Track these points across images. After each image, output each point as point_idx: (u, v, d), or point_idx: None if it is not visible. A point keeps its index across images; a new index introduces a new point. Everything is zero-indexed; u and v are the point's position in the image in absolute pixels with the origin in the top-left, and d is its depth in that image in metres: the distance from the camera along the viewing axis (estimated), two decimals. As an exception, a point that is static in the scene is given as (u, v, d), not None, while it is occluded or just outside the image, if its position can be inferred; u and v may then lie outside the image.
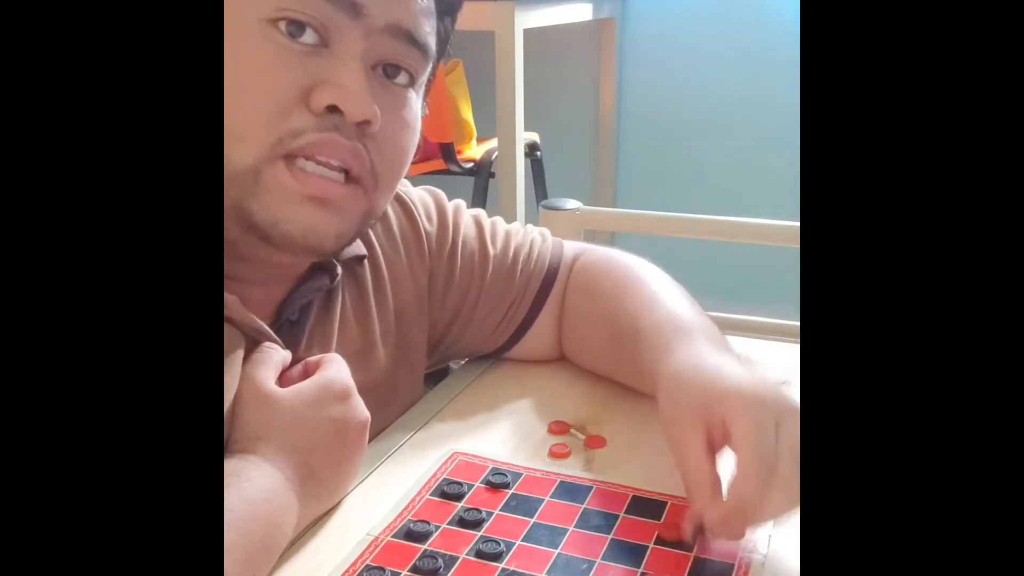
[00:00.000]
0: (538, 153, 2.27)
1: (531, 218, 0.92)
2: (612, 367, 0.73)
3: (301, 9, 0.52)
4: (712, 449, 0.52)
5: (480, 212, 0.77)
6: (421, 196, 0.74)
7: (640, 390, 0.69)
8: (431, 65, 0.60)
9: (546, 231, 0.79)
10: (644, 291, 0.69)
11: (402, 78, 0.58)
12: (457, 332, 0.75)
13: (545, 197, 2.23)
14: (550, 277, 0.75)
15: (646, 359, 0.63)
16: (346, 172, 0.55)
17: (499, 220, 0.78)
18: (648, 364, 0.62)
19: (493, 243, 0.75)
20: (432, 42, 0.58)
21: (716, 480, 0.51)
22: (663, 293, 0.69)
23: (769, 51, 2.29)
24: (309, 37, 0.53)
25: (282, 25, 0.53)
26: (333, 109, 0.53)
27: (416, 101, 0.60)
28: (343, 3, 0.53)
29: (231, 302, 0.55)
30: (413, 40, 0.56)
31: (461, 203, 0.77)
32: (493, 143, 2.07)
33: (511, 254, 0.75)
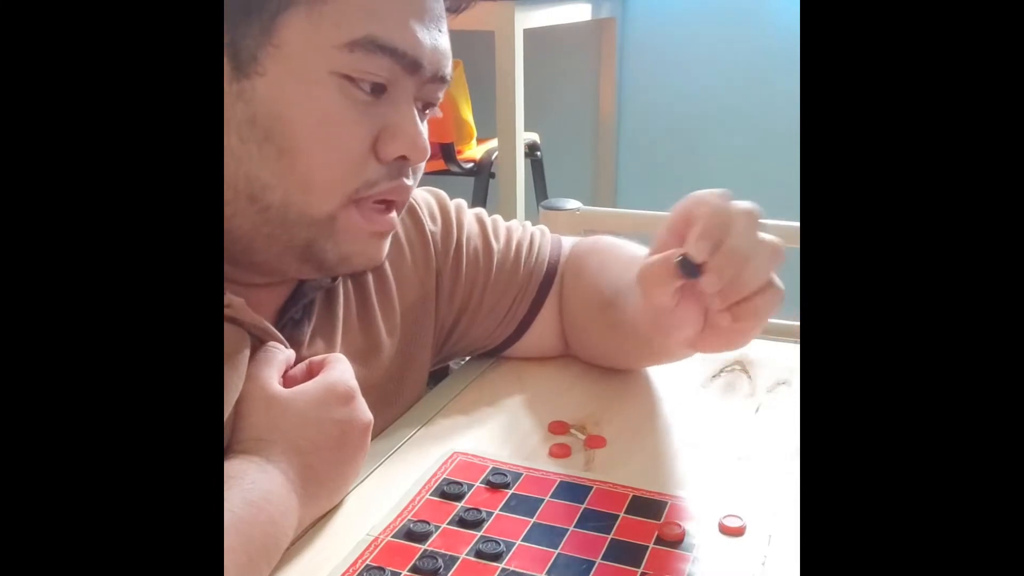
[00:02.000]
0: (538, 153, 2.27)
1: (531, 218, 0.91)
2: (608, 343, 0.73)
3: (377, 72, 0.55)
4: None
5: (481, 210, 0.78)
6: (424, 197, 0.75)
7: (637, 341, 0.69)
8: None
9: (545, 228, 0.80)
10: (626, 256, 0.71)
11: (432, 109, 0.62)
12: (463, 328, 0.75)
13: (545, 197, 2.23)
14: (551, 271, 0.76)
15: (632, 301, 0.62)
16: (389, 202, 0.59)
17: (499, 217, 0.79)
18: (627, 325, 0.63)
19: (496, 239, 0.76)
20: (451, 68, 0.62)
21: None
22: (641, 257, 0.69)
23: (769, 51, 2.29)
24: (376, 90, 0.56)
25: (365, 86, 0.55)
26: (400, 157, 0.57)
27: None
28: (409, 63, 0.56)
29: (237, 304, 0.56)
30: (446, 80, 0.60)
31: (462, 202, 0.78)
32: (493, 143, 2.07)
33: (513, 249, 0.75)
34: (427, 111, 0.61)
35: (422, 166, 0.61)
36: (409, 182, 0.59)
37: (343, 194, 0.56)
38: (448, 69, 0.60)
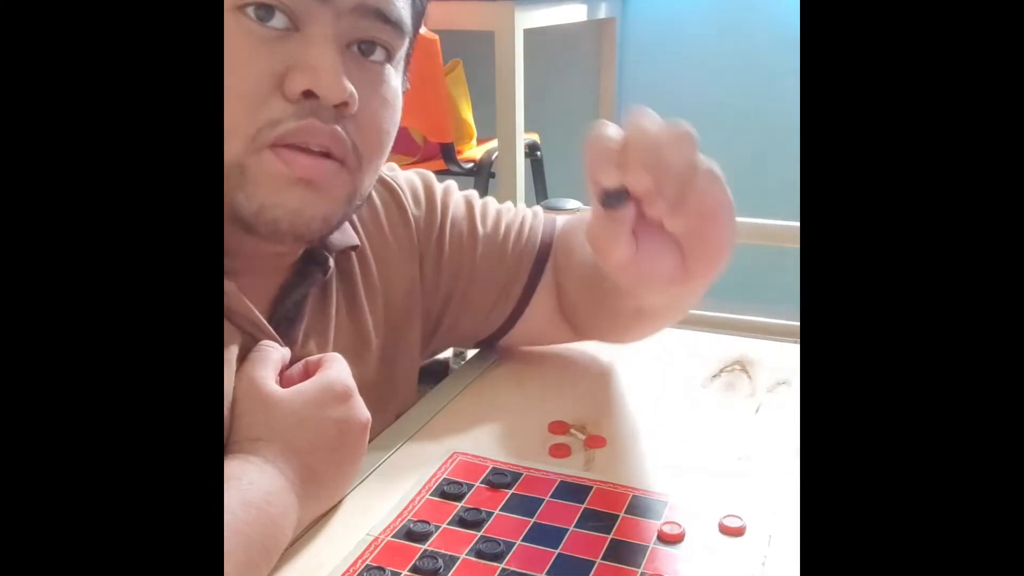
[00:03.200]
0: (538, 153, 2.27)
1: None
2: (605, 317, 0.71)
3: None
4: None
5: (472, 193, 0.75)
6: (409, 179, 0.73)
7: (629, 306, 0.65)
8: (408, 40, 0.59)
9: (539, 209, 0.78)
10: None
11: (378, 55, 0.57)
12: (453, 316, 0.74)
13: (545, 197, 2.24)
14: (543, 253, 0.73)
15: (611, 298, 0.61)
16: (326, 156, 0.55)
17: (491, 200, 0.76)
18: (614, 303, 0.61)
19: (483, 222, 0.73)
20: (406, 16, 0.58)
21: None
22: None
23: (769, 52, 2.29)
24: (279, 21, 0.52)
25: (250, 11, 0.52)
26: (309, 94, 0.53)
27: (395, 77, 0.59)
28: None
29: (231, 290, 0.55)
30: (385, 18, 0.55)
31: (452, 184, 0.75)
32: (493, 143, 2.08)
33: (502, 232, 0.73)
34: (370, 56, 0.56)
35: (375, 126, 0.57)
36: (326, 125, 0.53)
37: (244, 136, 0.52)
38: (383, 2, 0.55)
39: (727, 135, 2.42)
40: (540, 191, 2.31)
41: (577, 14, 2.23)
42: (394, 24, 0.56)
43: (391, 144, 0.60)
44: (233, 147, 0.52)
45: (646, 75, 2.49)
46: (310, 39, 0.53)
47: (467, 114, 2.10)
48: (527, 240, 0.74)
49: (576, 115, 2.58)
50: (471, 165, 2.07)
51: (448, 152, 2.00)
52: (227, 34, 0.51)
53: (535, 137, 2.25)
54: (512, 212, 0.76)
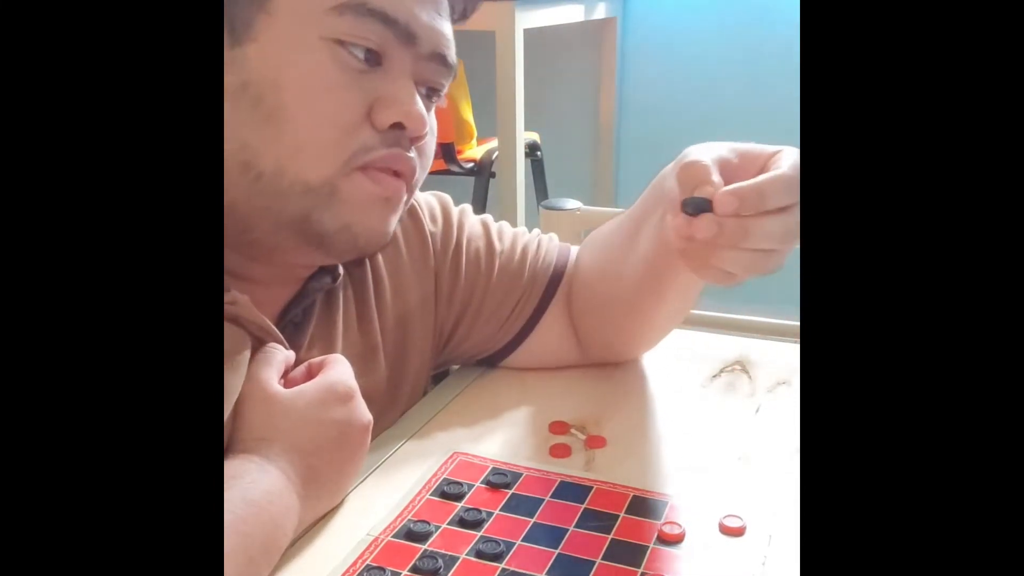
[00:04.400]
0: (538, 153, 2.27)
1: (531, 218, 0.91)
2: (619, 327, 0.74)
3: (367, 36, 0.55)
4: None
5: (487, 216, 0.78)
6: (426, 199, 0.75)
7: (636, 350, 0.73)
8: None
9: (554, 235, 0.79)
10: (613, 224, 0.73)
11: (435, 97, 0.62)
12: (464, 331, 0.74)
13: (545, 197, 2.24)
14: (557, 275, 0.75)
15: (644, 237, 0.65)
16: (396, 173, 0.59)
17: (505, 223, 0.78)
18: (647, 236, 0.65)
19: (500, 240, 0.75)
20: (454, 57, 0.62)
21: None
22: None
23: (770, 51, 2.29)
24: (369, 57, 0.56)
25: (353, 49, 0.56)
26: (396, 125, 0.57)
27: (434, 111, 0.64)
28: (402, 32, 0.56)
29: (242, 301, 0.56)
30: (447, 63, 0.60)
31: (467, 207, 0.78)
32: (493, 143, 2.08)
33: (518, 251, 0.75)
34: (432, 98, 0.61)
35: (429, 149, 0.62)
36: (410, 155, 0.59)
37: (338, 159, 0.56)
38: (450, 53, 0.60)
39: (727, 135, 2.41)
40: (540, 191, 2.31)
41: (577, 14, 2.22)
42: (450, 68, 0.61)
43: None
44: (325, 169, 0.56)
45: (646, 75, 2.48)
46: (393, 76, 0.57)
47: (467, 114, 2.10)
48: (543, 261, 0.75)
49: (576, 115, 2.58)
50: (471, 165, 2.07)
51: (448, 152, 2.00)
52: (321, 66, 0.55)
53: (535, 137, 2.25)
54: (527, 235, 0.78)
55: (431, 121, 0.62)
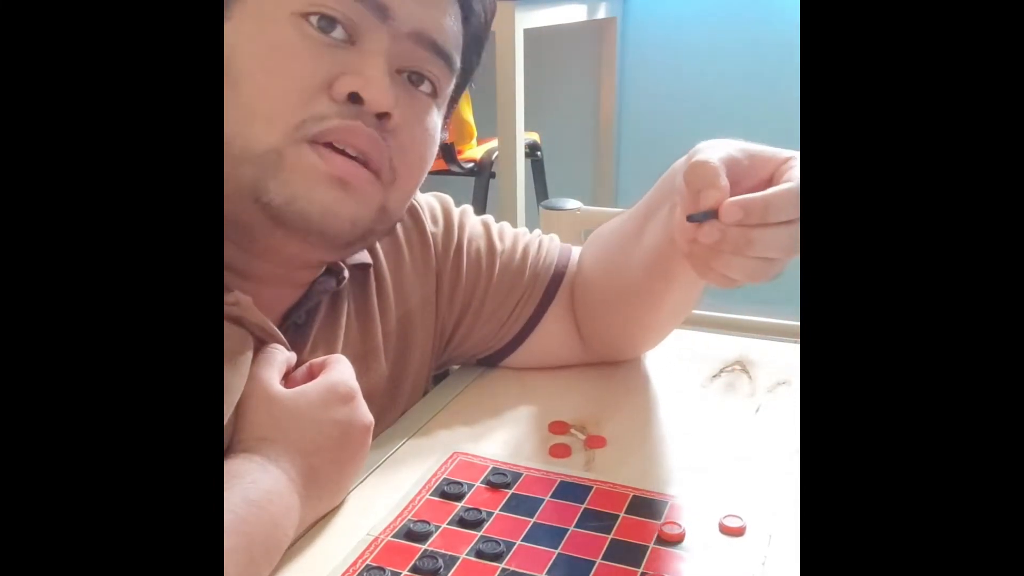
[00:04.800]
0: (538, 153, 2.27)
1: (531, 218, 0.91)
2: (624, 325, 0.74)
3: (333, 5, 0.54)
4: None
5: (488, 216, 0.78)
6: (427, 200, 0.75)
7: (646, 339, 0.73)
8: (454, 80, 0.62)
9: (555, 236, 0.79)
10: (616, 223, 0.72)
11: (426, 87, 0.59)
12: (465, 331, 0.74)
13: (545, 197, 2.23)
14: (558, 275, 0.75)
15: (649, 231, 0.65)
16: (364, 163, 0.56)
17: (507, 224, 0.78)
18: (652, 231, 0.65)
19: (501, 241, 0.75)
20: (457, 57, 0.60)
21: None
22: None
23: (770, 51, 2.29)
24: (339, 33, 0.55)
25: (313, 19, 0.54)
26: (355, 99, 0.55)
27: (437, 116, 0.61)
28: (372, 4, 0.55)
29: (245, 302, 0.56)
30: (437, 49, 0.58)
31: (468, 207, 0.77)
32: (493, 143, 2.07)
33: (519, 252, 0.75)
34: (420, 86, 0.59)
35: (411, 142, 0.58)
36: (368, 129, 0.55)
37: (287, 125, 0.54)
38: (441, 38, 0.58)
39: (727, 135, 2.41)
40: (540, 191, 2.31)
41: (577, 14, 2.22)
42: (444, 58, 0.59)
43: (426, 173, 0.63)
44: (273, 135, 0.54)
45: (646, 75, 2.48)
46: (364, 52, 0.55)
47: (467, 114, 2.10)
48: (544, 261, 0.75)
49: (576, 115, 2.58)
50: (471, 165, 2.07)
51: (448, 152, 1.99)
52: (283, 36, 0.54)
53: (535, 137, 2.24)
54: (528, 236, 0.77)
55: (435, 120, 0.61)
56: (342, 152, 0.55)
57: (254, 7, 0.54)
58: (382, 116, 0.56)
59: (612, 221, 0.75)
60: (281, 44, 0.54)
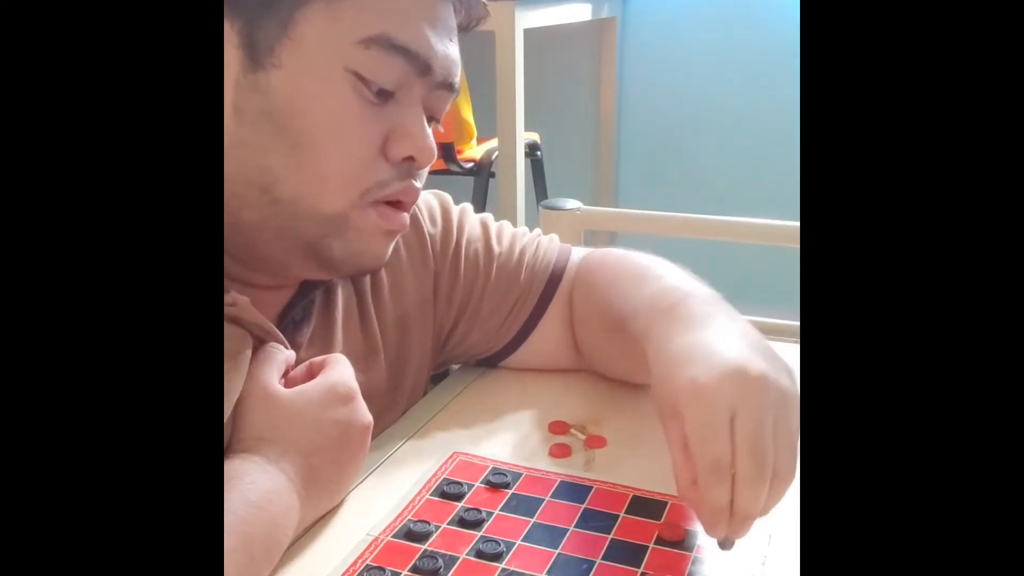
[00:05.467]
0: (538, 153, 2.26)
1: (531, 218, 0.91)
2: (615, 362, 0.72)
3: (386, 72, 0.56)
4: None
5: (487, 215, 0.78)
6: (426, 199, 0.75)
7: (641, 382, 0.69)
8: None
9: (555, 236, 0.79)
10: (634, 273, 0.68)
11: (432, 123, 0.62)
12: (462, 332, 0.74)
13: (545, 197, 2.23)
14: (556, 276, 0.74)
15: (635, 346, 0.60)
16: (399, 203, 0.59)
17: (506, 223, 0.78)
18: (638, 351, 0.59)
19: (499, 242, 0.75)
20: (459, 79, 0.62)
21: (690, 476, 0.50)
22: (652, 273, 0.66)
23: (769, 51, 2.29)
24: (379, 92, 0.56)
25: (373, 85, 0.56)
26: (408, 158, 0.58)
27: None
28: (420, 64, 0.57)
29: (242, 302, 0.56)
30: (453, 89, 0.61)
31: (468, 206, 0.77)
32: (493, 143, 2.07)
33: (517, 253, 0.74)
34: (430, 122, 0.61)
35: (427, 169, 0.62)
36: (417, 184, 0.60)
37: (355, 192, 0.56)
38: (457, 79, 0.61)
39: (727, 135, 2.42)
40: (540, 191, 2.31)
41: (577, 14, 2.22)
42: (455, 93, 0.62)
43: None
44: (342, 201, 0.56)
45: (646, 75, 2.48)
46: (404, 106, 0.58)
47: (467, 114, 2.10)
48: (541, 262, 0.75)
49: (576, 115, 2.58)
50: (471, 165, 2.07)
51: (448, 152, 1.99)
52: (343, 99, 0.55)
53: (535, 137, 2.24)
54: (527, 236, 0.77)
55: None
56: (398, 205, 0.59)
57: (308, 59, 0.54)
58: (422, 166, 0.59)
59: (625, 261, 0.72)
60: (342, 109, 0.55)
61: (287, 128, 0.54)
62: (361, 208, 0.57)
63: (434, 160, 0.59)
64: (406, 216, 0.61)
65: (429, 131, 0.59)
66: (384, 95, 0.56)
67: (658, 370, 0.54)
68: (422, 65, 0.57)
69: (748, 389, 0.48)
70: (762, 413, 0.47)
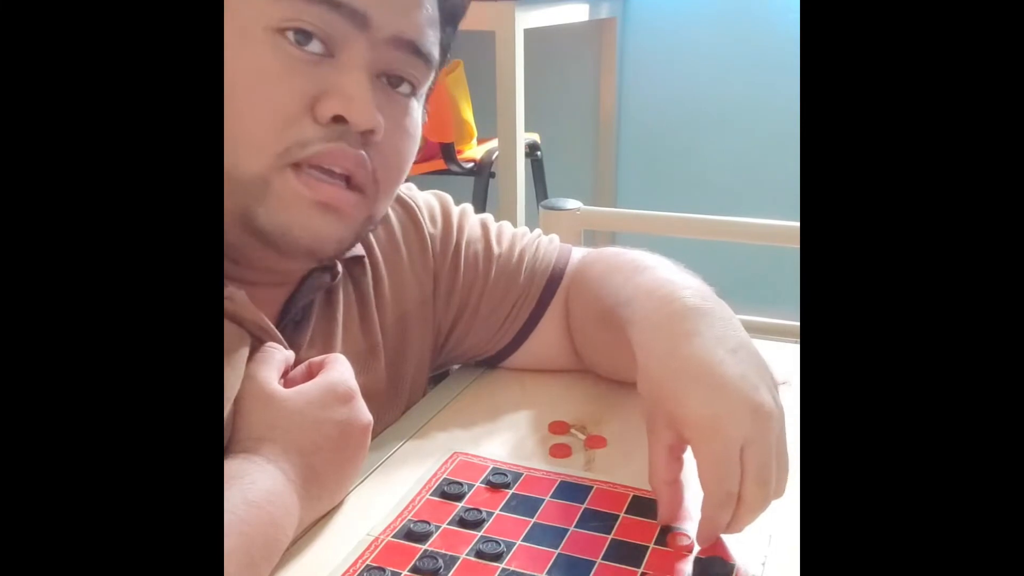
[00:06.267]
0: (538, 153, 2.27)
1: (531, 218, 0.91)
2: (611, 360, 0.72)
3: (309, 19, 0.53)
4: (677, 450, 0.54)
5: (487, 216, 0.77)
6: (426, 199, 0.74)
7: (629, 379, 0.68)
8: (433, 74, 0.61)
9: (555, 237, 0.79)
10: (625, 266, 0.67)
11: (404, 88, 0.58)
12: (461, 332, 0.74)
13: (545, 197, 2.23)
14: (556, 277, 0.74)
15: (625, 338, 0.60)
16: (347, 179, 0.56)
17: (506, 224, 0.78)
18: (627, 347, 0.59)
19: (499, 243, 0.75)
20: (435, 52, 0.59)
21: (675, 486, 0.54)
22: (643, 265, 0.65)
23: (769, 51, 2.29)
24: (315, 47, 0.54)
25: (289, 35, 0.53)
26: (339, 119, 0.54)
27: (417, 109, 0.61)
28: (351, 14, 0.53)
29: (239, 297, 0.56)
30: (417, 51, 0.57)
31: (468, 207, 0.77)
32: (493, 143, 2.07)
33: (516, 254, 0.74)
34: (399, 88, 0.58)
35: (395, 152, 0.58)
36: (361, 153, 0.55)
37: (271, 152, 0.53)
38: (422, 40, 0.57)
39: (727, 135, 2.42)
40: (540, 191, 2.31)
41: (577, 14, 2.22)
42: (424, 58, 0.58)
43: (407, 173, 0.62)
44: (259, 162, 0.53)
45: (646, 75, 2.48)
46: (343, 66, 0.54)
47: (467, 114, 2.10)
48: (540, 263, 0.74)
49: (576, 115, 2.58)
50: (471, 165, 2.07)
51: (448, 152, 1.99)
52: (262, 54, 0.53)
53: (535, 137, 2.24)
54: (528, 237, 0.77)
55: (415, 118, 0.60)
56: (328, 171, 0.55)
57: (230, 22, 0.52)
58: (366, 132, 0.55)
59: (618, 256, 0.71)
60: (260, 66, 0.53)
61: None
62: (281, 171, 0.53)
63: (372, 122, 0.54)
64: (350, 195, 0.56)
65: (369, 93, 0.54)
66: (320, 51, 0.53)
67: (650, 373, 0.55)
68: (351, 13, 0.53)
69: (759, 424, 0.50)
70: (770, 446, 0.50)
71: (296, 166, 0.54)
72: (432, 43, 0.58)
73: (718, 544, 0.52)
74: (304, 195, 0.54)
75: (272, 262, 0.59)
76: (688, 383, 0.52)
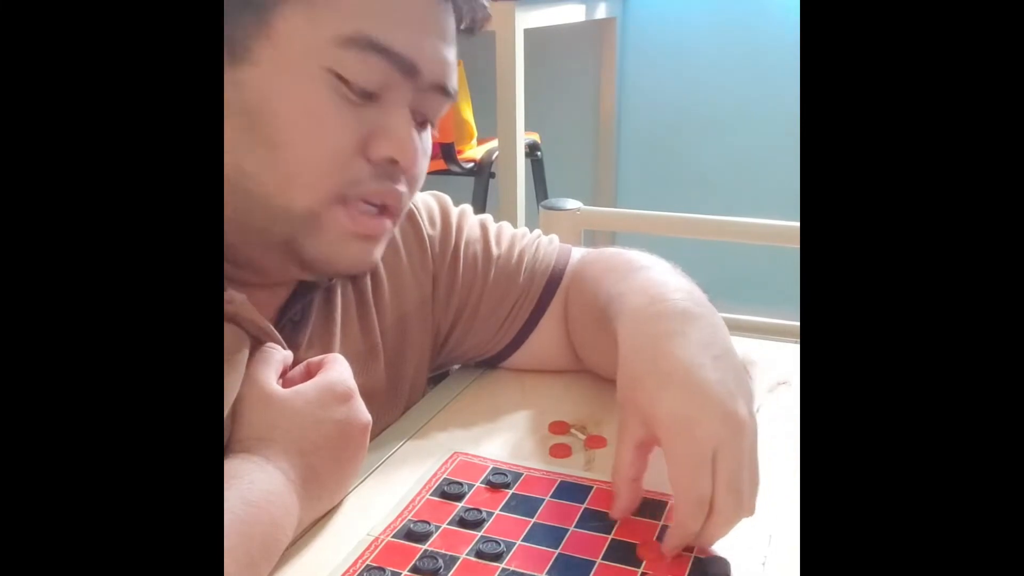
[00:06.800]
0: (538, 153, 2.27)
1: (531, 218, 0.91)
2: (608, 359, 0.72)
3: (365, 73, 0.55)
4: (645, 448, 0.54)
5: (487, 217, 0.77)
6: (425, 201, 0.75)
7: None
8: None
9: (555, 237, 0.79)
10: (621, 266, 0.68)
11: (428, 124, 0.61)
12: (461, 333, 0.74)
13: (545, 197, 2.23)
14: (555, 278, 0.74)
15: (613, 339, 0.60)
16: (384, 209, 0.58)
17: (506, 224, 0.78)
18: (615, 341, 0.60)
19: (498, 244, 0.75)
20: (456, 84, 0.61)
21: (636, 484, 0.54)
22: (638, 265, 0.66)
23: (770, 51, 2.29)
24: (361, 93, 0.55)
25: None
26: (389, 160, 0.56)
27: (428, 134, 0.63)
28: (405, 65, 0.56)
29: (239, 300, 0.56)
30: (448, 93, 0.60)
31: (467, 207, 0.77)
32: (493, 143, 2.08)
33: (516, 255, 0.74)
34: (426, 126, 0.60)
35: (421, 175, 0.61)
36: (401, 188, 0.58)
37: (325, 190, 0.55)
38: (451, 82, 0.60)
39: (727, 135, 2.42)
40: (540, 191, 2.31)
41: (577, 14, 2.22)
42: (451, 97, 0.60)
43: None
44: (312, 197, 0.55)
45: (646, 75, 2.49)
46: (389, 108, 0.57)
47: (467, 114, 2.10)
48: (540, 264, 0.74)
49: (576, 115, 2.58)
50: (471, 165, 2.07)
51: (448, 152, 2.00)
52: (317, 91, 0.54)
53: (535, 137, 2.25)
54: (527, 238, 0.77)
55: (425, 145, 0.61)
56: (371, 204, 0.58)
57: (283, 58, 0.54)
58: (408, 170, 0.58)
59: (615, 257, 0.72)
60: (316, 104, 0.54)
61: (258, 125, 0.54)
62: (330, 207, 0.56)
63: (420, 164, 0.59)
64: (386, 223, 0.59)
65: (417, 134, 0.58)
66: (367, 95, 0.55)
67: (629, 368, 0.55)
68: (406, 66, 0.56)
69: (732, 431, 0.51)
70: (743, 454, 0.50)
71: (343, 200, 0.56)
72: (455, 79, 0.61)
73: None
74: (348, 229, 0.57)
75: (292, 275, 0.61)
76: (665, 382, 0.52)
